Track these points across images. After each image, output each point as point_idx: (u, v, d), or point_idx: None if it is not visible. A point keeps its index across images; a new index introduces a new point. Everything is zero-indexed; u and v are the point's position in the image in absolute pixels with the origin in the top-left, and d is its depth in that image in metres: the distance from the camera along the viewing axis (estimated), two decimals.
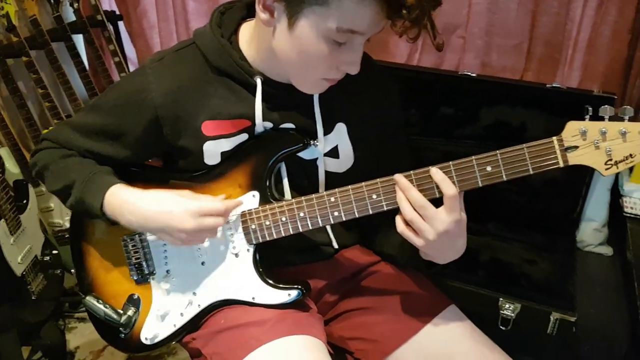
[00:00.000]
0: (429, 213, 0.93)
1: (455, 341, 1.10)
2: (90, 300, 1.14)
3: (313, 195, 1.04)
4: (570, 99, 1.62)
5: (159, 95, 1.06)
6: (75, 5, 2.17)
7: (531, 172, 0.91)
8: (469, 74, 1.73)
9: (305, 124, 1.09)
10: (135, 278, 1.17)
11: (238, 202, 1.08)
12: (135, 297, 1.16)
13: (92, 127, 1.13)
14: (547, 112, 1.66)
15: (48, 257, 1.89)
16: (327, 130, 1.11)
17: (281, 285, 1.09)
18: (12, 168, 1.92)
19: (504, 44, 1.87)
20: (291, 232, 1.06)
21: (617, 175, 1.82)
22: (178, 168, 1.13)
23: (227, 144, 1.09)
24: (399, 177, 0.96)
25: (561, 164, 0.90)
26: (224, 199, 1.08)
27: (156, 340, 1.16)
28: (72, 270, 1.37)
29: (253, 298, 1.10)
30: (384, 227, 1.21)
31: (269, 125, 1.08)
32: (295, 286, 1.09)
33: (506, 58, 1.89)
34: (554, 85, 1.64)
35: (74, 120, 1.18)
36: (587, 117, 0.90)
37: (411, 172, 0.96)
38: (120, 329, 1.15)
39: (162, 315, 1.15)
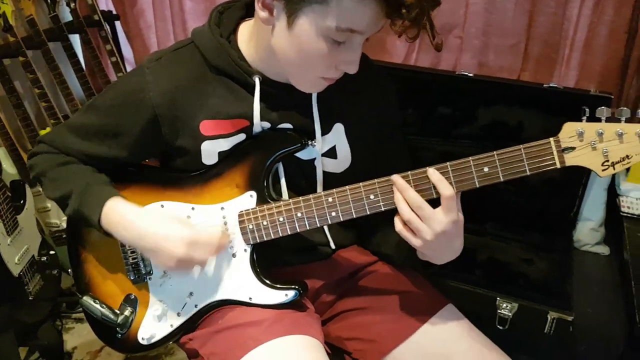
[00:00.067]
0: (427, 213, 0.93)
1: (453, 340, 1.10)
2: (87, 300, 1.14)
3: (311, 196, 1.04)
4: (567, 99, 1.63)
5: (157, 94, 1.06)
6: (72, 5, 2.17)
7: (528, 173, 0.92)
8: (466, 73, 1.73)
9: (303, 124, 1.09)
10: (132, 278, 1.16)
11: (230, 239, 1.09)
12: (132, 297, 1.16)
13: (89, 128, 1.12)
14: (544, 112, 1.67)
15: (45, 258, 1.89)
16: (325, 131, 1.11)
17: (278, 286, 1.09)
18: (9, 168, 1.92)
19: (501, 43, 1.88)
20: (289, 232, 1.06)
21: (613, 175, 1.82)
22: (175, 168, 1.13)
23: (225, 144, 1.09)
24: (396, 178, 0.96)
25: (558, 165, 0.91)
26: (221, 232, 1.08)
27: (153, 341, 1.16)
28: (70, 271, 1.37)
29: (250, 298, 1.10)
30: (381, 228, 1.21)
31: (267, 125, 1.08)
32: (293, 286, 1.09)
33: (503, 58, 1.89)
34: (550, 85, 1.64)
35: (71, 121, 1.17)
36: (584, 118, 0.90)
37: (408, 172, 0.96)
38: (117, 329, 1.15)
39: (159, 315, 1.14)
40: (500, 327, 1.54)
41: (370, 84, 1.15)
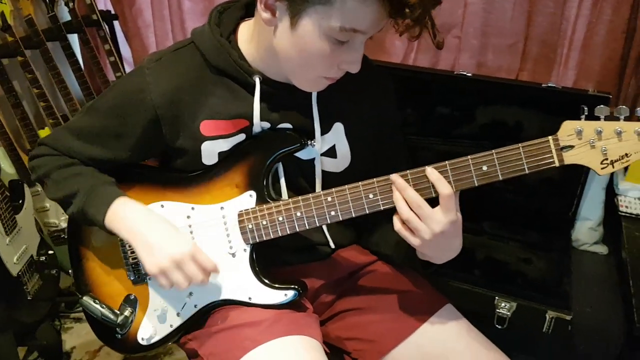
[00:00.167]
0: (425, 212, 0.93)
1: (452, 340, 1.10)
2: (87, 300, 1.14)
3: (310, 195, 1.04)
4: (565, 99, 1.63)
5: (158, 95, 1.06)
6: (71, 4, 2.17)
7: (527, 171, 0.92)
8: (465, 73, 1.73)
9: (303, 124, 1.09)
10: (132, 278, 1.16)
11: (218, 271, 1.09)
12: (132, 297, 1.16)
13: (90, 130, 1.12)
14: (542, 112, 1.67)
15: (44, 257, 1.89)
16: (325, 130, 1.11)
17: (278, 285, 1.10)
18: (8, 168, 1.92)
19: (500, 43, 1.88)
20: (288, 232, 1.06)
21: (612, 174, 1.83)
22: (176, 168, 1.13)
23: (225, 144, 1.09)
24: (395, 177, 0.96)
25: (557, 164, 0.91)
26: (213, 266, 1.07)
27: (153, 341, 1.16)
28: (70, 271, 1.37)
29: (250, 298, 1.10)
30: (380, 227, 1.21)
31: (267, 125, 1.08)
32: (292, 286, 1.09)
33: (502, 58, 1.90)
34: (549, 84, 1.64)
35: (71, 123, 1.17)
36: (583, 116, 0.90)
37: (407, 171, 0.96)
38: (117, 329, 1.15)
39: (159, 315, 1.14)
40: (499, 327, 1.54)
41: (371, 84, 1.15)
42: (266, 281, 1.10)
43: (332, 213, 1.02)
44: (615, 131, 0.87)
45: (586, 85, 1.78)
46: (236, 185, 1.09)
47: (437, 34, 0.92)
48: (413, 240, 0.96)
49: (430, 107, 1.80)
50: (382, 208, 0.99)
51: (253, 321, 1.07)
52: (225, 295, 1.11)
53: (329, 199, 1.02)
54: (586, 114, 0.90)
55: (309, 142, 1.09)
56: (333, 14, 0.89)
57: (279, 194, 1.12)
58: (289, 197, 1.08)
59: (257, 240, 1.08)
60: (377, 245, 1.25)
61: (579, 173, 1.69)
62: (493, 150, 0.92)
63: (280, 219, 1.06)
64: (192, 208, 1.11)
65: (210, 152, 1.09)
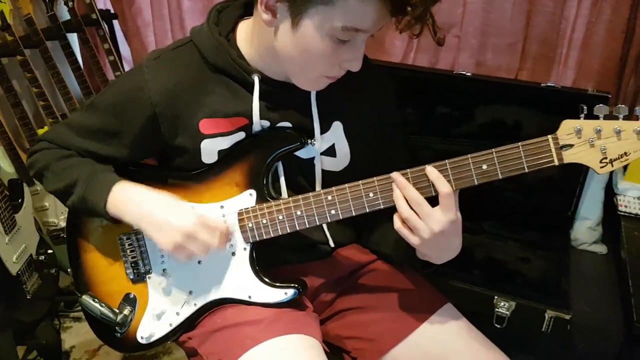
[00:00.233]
0: (425, 211, 0.93)
1: (451, 339, 1.10)
2: (86, 299, 1.14)
3: (310, 194, 1.04)
4: (564, 98, 1.63)
5: (157, 93, 1.06)
6: (70, 4, 2.17)
7: (526, 170, 0.92)
8: (464, 73, 1.73)
9: (302, 123, 1.09)
10: (131, 277, 1.17)
11: (232, 231, 1.09)
12: (132, 296, 1.16)
13: (89, 127, 1.12)
14: (541, 111, 1.67)
15: (43, 257, 1.89)
16: (324, 129, 1.12)
17: (278, 284, 1.10)
18: (7, 167, 1.92)
19: (499, 43, 1.88)
20: (288, 231, 1.06)
21: (611, 173, 1.83)
22: (175, 166, 1.13)
23: (225, 142, 1.09)
24: (396, 175, 0.96)
25: (556, 162, 0.91)
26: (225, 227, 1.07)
27: (152, 340, 1.16)
28: (69, 270, 1.37)
29: (249, 297, 1.10)
30: (380, 226, 1.21)
31: (266, 123, 1.08)
32: (292, 285, 1.09)
33: (501, 57, 1.90)
34: (548, 84, 1.65)
35: (70, 120, 1.17)
36: (582, 115, 0.90)
37: (407, 170, 0.96)
38: (116, 328, 1.15)
39: (159, 314, 1.14)
40: (498, 326, 1.54)
41: (371, 83, 1.15)
42: (266, 280, 1.10)
43: (333, 212, 1.03)
44: (615, 130, 0.88)
45: (585, 85, 1.78)
46: (236, 184, 1.09)
47: (438, 30, 0.93)
48: (413, 239, 0.96)
49: (430, 106, 1.80)
50: (382, 207, 0.99)
51: (253, 320, 1.07)
52: (225, 293, 1.11)
53: (329, 197, 1.02)
54: (585, 113, 0.90)
55: (309, 141, 1.09)
56: (335, 14, 0.89)
57: (279, 192, 1.12)
58: (289, 196, 1.08)
59: (257, 239, 1.08)
60: (377, 245, 1.25)
61: (579, 172, 1.69)
62: (493, 149, 0.92)
63: (281, 217, 1.06)
64: (192, 207, 1.11)
65: (209, 150, 1.09)
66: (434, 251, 1.01)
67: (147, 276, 1.16)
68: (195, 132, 1.08)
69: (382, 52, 2.03)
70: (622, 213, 1.72)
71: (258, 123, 1.07)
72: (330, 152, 1.13)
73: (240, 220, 1.09)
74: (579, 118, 0.90)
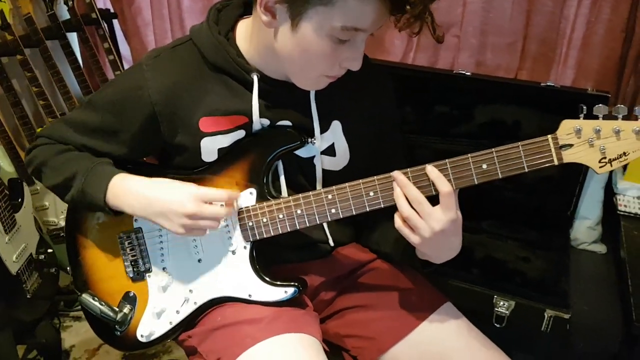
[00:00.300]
0: (426, 210, 0.93)
1: (451, 338, 1.10)
2: (86, 297, 1.14)
3: (310, 193, 1.04)
4: (564, 98, 1.63)
5: (156, 91, 1.06)
6: (70, 3, 2.17)
7: (526, 169, 0.92)
8: (464, 72, 1.74)
9: (302, 122, 1.10)
10: (131, 275, 1.17)
11: (237, 194, 1.08)
12: (131, 294, 1.16)
13: (88, 124, 1.13)
14: (541, 111, 1.67)
15: (43, 256, 1.89)
16: (324, 128, 1.12)
17: (278, 283, 1.10)
18: (7, 167, 1.92)
19: (499, 42, 1.88)
20: (288, 230, 1.06)
21: (610, 173, 1.83)
22: (174, 165, 1.13)
23: (225, 141, 1.09)
24: (397, 174, 0.96)
25: (556, 162, 0.91)
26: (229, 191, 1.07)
27: (152, 338, 1.16)
28: (68, 269, 1.37)
29: (249, 295, 1.10)
30: (380, 225, 1.22)
31: (266, 122, 1.08)
32: (292, 283, 1.10)
33: (500, 57, 1.90)
34: (548, 83, 1.65)
35: (69, 117, 1.17)
36: (582, 115, 0.91)
37: (408, 169, 0.96)
38: (116, 326, 1.15)
39: (158, 312, 1.15)
40: (498, 325, 1.54)
41: (370, 82, 1.16)
42: (266, 278, 1.10)
43: (333, 210, 1.03)
44: (614, 130, 0.88)
45: (585, 84, 1.78)
46: (236, 182, 1.09)
47: (437, 28, 0.93)
48: (413, 238, 0.97)
49: (429, 105, 1.80)
50: (382, 206, 1.00)
51: (252, 318, 1.07)
52: (225, 292, 1.12)
53: (330, 196, 1.02)
54: (585, 112, 0.91)
55: (309, 140, 1.09)
56: (334, 14, 0.89)
57: (279, 191, 1.12)
58: (289, 195, 1.08)
59: (257, 238, 1.09)
60: (376, 244, 1.25)
61: (578, 172, 1.69)
62: (493, 149, 0.93)
63: (281, 216, 1.06)
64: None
65: (209, 148, 1.09)
66: (434, 250, 1.01)
67: (147, 274, 1.16)
68: (195, 130, 1.08)
69: (381, 51, 2.03)
70: (622, 213, 1.72)
71: (258, 121, 1.07)
72: (330, 151, 1.13)
73: (240, 219, 1.09)
74: (578, 118, 0.90)
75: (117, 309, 1.14)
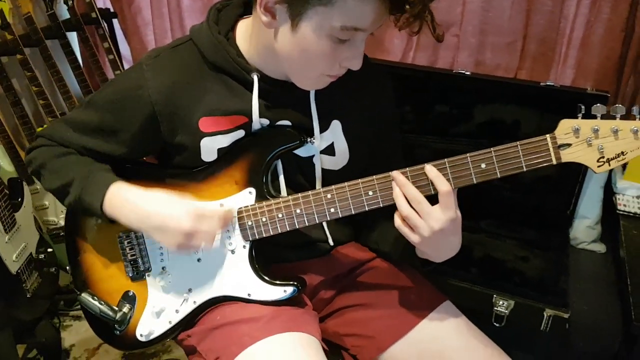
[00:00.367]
0: (425, 209, 0.94)
1: (450, 337, 1.11)
2: (85, 297, 1.15)
3: (309, 192, 1.04)
4: (563, 97, 1.63)
5: (156, 91, 1.06)
6: (70, 2, 2.17)
7: (525, 169, 0.92)
8: (463, 72, 1.74)
9: (302, 121, 1.10)
10: (130, 275, 1.17)
11: (233, 211, 1.08)
12: (131, 293, 1.16)
13: (88, 124, 1.13)
14: (540, 110, 1.67)
15: (43, 255, 1.89)
16: (323, 128, 1.12)
17: (277, 282, 1.10)
18: (7, 166, 1.92)
19: (498, 42, 1.88)
20: (287, 229, 1.07)
21: (610, 172, 1.83)
22: (174, 164, 1.14)
23: (224, 140, 1.09)
24: (396, 174, 0.97)
25: (554, 161, 0.91)
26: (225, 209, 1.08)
27: (151, 337, 1.16)
28: (68, 268, 1.37)
29: (249, 294, 1.11)
30: (379, 225, 1.22)
31: (266, 122, 1.08)
32: (291, 282, 1.10)
33: (500, 56, 1.90)
34: (547, 83, 1.65)
35: (69, 117, 1.17)
36: (580, 115, 0.91)
37: (407, 169, 0.97)
38: (116, 325, 1.15)
39: (158, 312, 1.15)
40: (497, 325, 1.54)
41: (370, 82, 1.16)
42: (265, 278, 1.10)
43: (332, 210, 1.03)
44: (612, 129, 0.88)
45: (584, 84, 1.79)
46: (235, 182, 1.09)
47: (437, 27, 0.93)
48: (413, 237, 0.97)
49: (429, 105, 1.80)
50: (381, 205, 1.00)
51: (251, 317, 1.07)
52: (224, 291, 1.12)
53: (329, 196, 1.02)
54: (583, 112, 0.91)
55: (309, 139, 1.09)
56: (334, 14, 0.90)
57: (278, 191, 1.12)
58: (288, 195, 1.08)
59: (257, 237, 1.09)
60: (376, 243, 1.26)
61: (577, 171, 1.69)
62: (491, 148, 0.93)
63: (280, 215, 1.06)
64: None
65: (209, 148, 1.09)
66: (434, 249, 1.01)
67: (146, 274, 1.16)
68: (195, 130, 1.08)
69: (381, 51, 2.04)
70: (621, 212, 1.73)
71: (257, 121, 1.08)
72: (329, 150, 1.13)
73: (239, 219, 1.09)
74: (577, 117, 0.91)
75: (116, 308, 1.15)
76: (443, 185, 0.93)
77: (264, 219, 1.07)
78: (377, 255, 1.27)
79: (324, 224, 1.19)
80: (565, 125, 0.90)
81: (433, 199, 0.95)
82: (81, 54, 2.42)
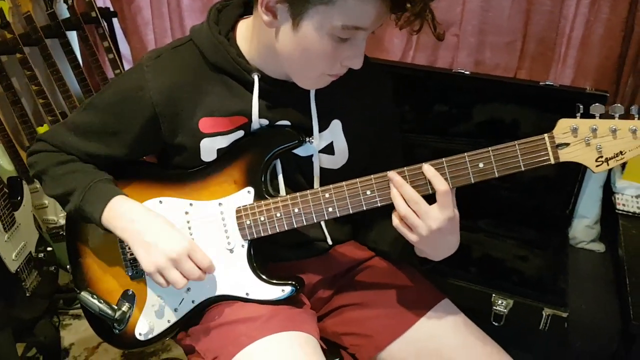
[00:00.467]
0: (422, 209, 0.94)
1: (448, 335, 1.11)
2: (85, 295, 1.15)
3: (308, 192, 1.04)
4: (563, 97, 1.63)
5: (156, 92, 1.06)
6: (69, 1, 2.17)
7: (522, 168, 0.92)
8: (463, 71, 1.74)
9: (301, 121, 1.10)
10: (130, 274, 1.17)
11: (213, 268, 1.08)
12: (130, 292, 1.17)
13: (88, 127, 1.12)
14: (540, 110, 1.67)
15: (42, 254, 1.89)
16: (323, 127, 1.12)
17: (275, 281, 1.10)
18: (6, 165, 1.92)
19: (498, 42, 1.88)
20: (286, 228, 1.07)
21: (609, 172, 1.83)
22: (174, 164, 1.14)
23: (224, 141, 1.09)
24: (392, 174, 0.97)
25: (552, 161, 0.92)
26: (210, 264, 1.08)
27: (150, 336, 1.16)
28: (68, 267, 1.38)
29: (247, 294, 1.11)
30: (377, 224, 1.22)
31: (265, 122, 1.08)
32: (289, 282, 1.10)
33: (499, 56, 1.90)
34: (547, 83, 1.65)
35: (70, 120, 1.17)
36: (578, 114, 0.91)
37: (404, 168, 0.97)
38: (115, 324, 1.15)
39: (157, 311, 1.15)
40: (496, 324, 1.55)
41: (369, 81, 1.16)
42: (264, 277, 1.10)
43: (330, 209, 1.03)
44: (610, 129, 0.88)
45: (584, 84, 1.79)
46: (234, 181, 1.10)
47: (437, 25, 0.93)
48: (411, 237, 0.97)
49: (428, 104, 1.80)
50: (379, 205, 1.00)
51: (249, 317, 1.08)
52: (222, 290, 1.12)
53: (327, 195, 1.02)
54: (582, 112, 0.91)
55: (307, 139, 1.09)
56: (335, 13, 0.90)
57: (277, 190, 1.12)
58: (287, 194, 1.09)
59: (255, 236, 1.09)
60: (374, 242, 1.26)
61: (576, 171, 1.70)
62: (489, 148, 0.93)
63: (278, 215, 1.06)
64: (190, 204, 1.11)
65: (209, 148, 1.09)
66: (432, 248, 1.02)
67: (145, 273, 1.16)
68: (195, 131, 1.08)
69: (381, 50, 2.04)
70: (620, 211, 1.73)
71: (257, 121, 1.08)
72: (329, 150, 1.14)
73: (238, 218, 1.09)
74: (575, 117, 0.91)
75: (115, 307, 1.15)
76: (441, 185, 0.93)
77: (262, 218, 1.07)
78: (375, 254, 1.27)
79: (322, 223, 1.19)
80: (563, 125, 0.90)
81: (431, 197, 0.95)
82: (81, 53, 2.42)
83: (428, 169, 0.95)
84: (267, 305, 1.10)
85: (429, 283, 1.21)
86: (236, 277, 1.11)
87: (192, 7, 2.24)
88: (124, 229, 1.06)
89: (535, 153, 0.91)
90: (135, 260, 1.16)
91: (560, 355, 1.63)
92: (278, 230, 1.07)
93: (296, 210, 1.05)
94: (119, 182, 1.14)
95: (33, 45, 2.09)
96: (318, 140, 1.11)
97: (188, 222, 1.12)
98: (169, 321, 1.15)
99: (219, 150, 1.10)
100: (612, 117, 0.89)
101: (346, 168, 1.16)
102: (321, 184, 1.12)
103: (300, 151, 1.12)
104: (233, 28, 1.10)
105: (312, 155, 1.13)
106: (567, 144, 0.91)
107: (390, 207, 0.99)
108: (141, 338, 1.16)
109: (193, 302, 1.13)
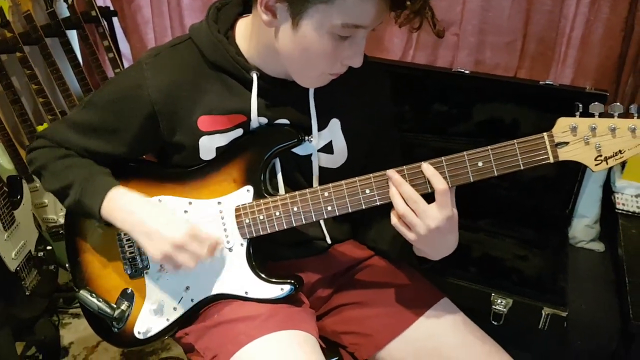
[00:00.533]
0: (421, 208, 0.94)
1: (447, 334, 1.11)
2: (84, 294, 1.15)
3: (307, 190, 1.04)
4: (562, 96, 1.63)
5: (155, 90, 1.06)
6: (69, 0, 2.17)
7: (522, 167, 0.92)
8: (463, 71, 1.74)
9: (300, 120, 1.10)
10: (129, 272, 1.17)
11: (222, 243, 1.09)
12: (129, 291, 1.17)
13: (88, 124, 1.13)
14: (540, 109, 1.67)
15: (42, 253, 1.89)
16: (322, 126, 1.12)
17: (274, 280, 1.10)
18: (6, 164, 1.92)
19: (498, 41, 1.88)
20: (285, 227, 1.07)
21: (609, 171, 1.83)
22: (173, 163, 1.14)
23: (223, 139, 1.09)
24: (391, 173, 0.97)
25: (551, 160, 0.91)
26: (217, 240, 1.08)
27: (149, 335, 1.16)
28: (67, 266, 1.38)
29: (246, 292, 1.11)
30: (376, 223, 1.22)
31: (264, 120, 1.08)
32: (288, 281, 1.10)
33: (499, 55, 1.90)
34: (546, 82, 1.65)
35: (69, 117, 1.17)
36: (578, 113, 0.91)
37: (404, 167, 0.97)
38: (114, 323, 1.16)
39: (156, 309, 1.15)
40: (495, 323, 1.55)
41: (368, 80, 1.16)
42: (263, 276, 1.10)
43: (329, 208, 1.03)
44: (609, 128, 0.88)
45: (584, 83, 1.79)
46: (234, 180, 1.10)
47: (437, 23, 0.93)
48: (409, 235, 0.97)
49: (428, 104, 1.80)
50: (378, 203, 1.00)
51: (248, 316, 1.08)
52: (221, 289, 1.12)
53: (326, 194, 1.02)
54: (581, 110, 0.91)
55: (306, 138, 1.09)
56: (334, 12, 0.90)
57: (276, 189, 1.12)
58: (286, 193, 1.09)
59: (254, 235, 1.09)
60: (373, 241, 1.26)
61: (576, 170, 1.70)
62: (488, 147, 0.93)
63: (277, 213, 1.06)
64: (190, 203, 1.11)
65: (207, 147, 1.09)
66: (431, 247, 1.02)
67: (144, 272, 1.16)
68: (194, 129, 1.08)
69: (380, 49, 2.04)
70: (620, 211, 1.73)
71: (256, 120, 1.08)
72: (328, 149, 1.14)
73: (237, 216, 1.09)
74: (574, 115, 0.90)
75: (114, 306, 1.15)
76: (439, 184, 0.93)
77: (261, 217, 1.07)
78: (374, 253, 1.27)
79: (322, 222, 1.19)
80: (562, 124, 0.90)
81: (430, 196, 0.95)
82: (81, 52, 2.42)
83: (427, 167, 0.95)
84: (266, 304, 1.10)
85: (428, 282, 1.21)
86: (235, 275, 1.11)
87: (192, 5, 2.24)
88: (124, 220, 1.06)
89: (534, 152, 0.91)
90: (134, 258, 1.16)
91: (559, 354, 1.63)
92: (277, 229, 1.07)
93: (295, 209, 1.05)
94: (119, 180, 1.14)
95: (33, 44, 2.09)
96: (317, 139, 1.11)
97: (187, 220, 1.11)
98: (168, 320, 1.15)
99: (217, 149, 1.10)
100: (611, 116, 0.89)
101: (345, 167, 1.16)
102: (320, 183, 1.12)
103: (300, 150, 1.12)
104: (232, 27, 1.10)
105: (311, 154, 1.13)
106: (567, 143, 0.91)
107: (389, 206, 0.98)
108: (140, 337, 1.16)
109: (192, 300, 1.14)
